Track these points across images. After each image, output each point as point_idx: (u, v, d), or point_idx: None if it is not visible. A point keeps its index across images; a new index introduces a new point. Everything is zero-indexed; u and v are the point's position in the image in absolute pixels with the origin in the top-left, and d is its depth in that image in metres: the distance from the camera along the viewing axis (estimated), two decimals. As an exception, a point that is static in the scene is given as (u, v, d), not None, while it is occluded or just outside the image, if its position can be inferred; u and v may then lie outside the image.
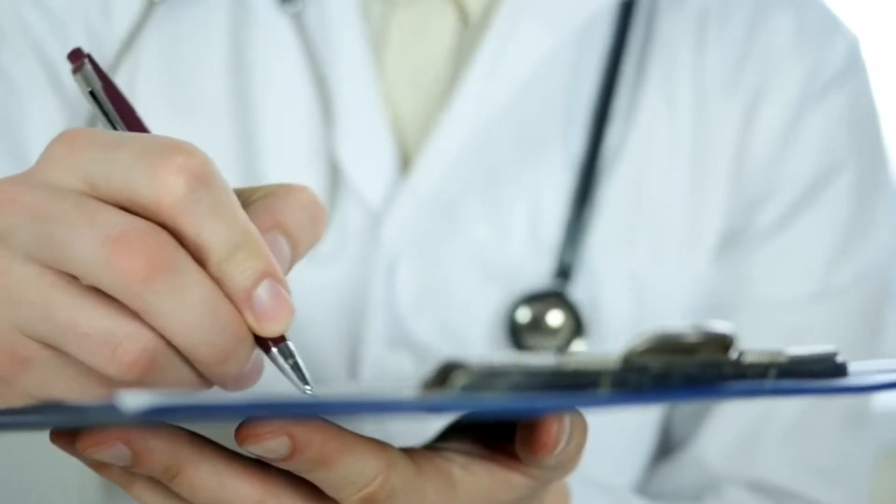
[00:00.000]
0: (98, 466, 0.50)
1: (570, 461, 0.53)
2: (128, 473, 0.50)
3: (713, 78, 0.90)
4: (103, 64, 0.86)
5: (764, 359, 0.39)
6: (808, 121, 0.91)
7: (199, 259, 0.47)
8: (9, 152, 0.87)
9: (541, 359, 0.36)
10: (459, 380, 0.34)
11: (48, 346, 0.48)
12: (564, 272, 0.87)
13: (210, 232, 0.46)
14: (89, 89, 0.52)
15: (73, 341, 0.47)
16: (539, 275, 0.87)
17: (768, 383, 0.39)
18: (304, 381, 0.50)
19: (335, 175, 0.86)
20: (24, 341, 0.48)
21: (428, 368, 0.83)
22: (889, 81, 1.54)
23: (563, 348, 0.86)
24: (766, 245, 0.91)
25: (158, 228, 0.46)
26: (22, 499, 1.34)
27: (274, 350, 0.49)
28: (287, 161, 0.86)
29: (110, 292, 0.46)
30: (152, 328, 0.47)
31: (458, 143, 0.85)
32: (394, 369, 0.86)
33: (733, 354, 0.39)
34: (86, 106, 0.86)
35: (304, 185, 0.52)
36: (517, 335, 0.86)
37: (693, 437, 0.91)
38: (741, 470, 0.90)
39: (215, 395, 0.41)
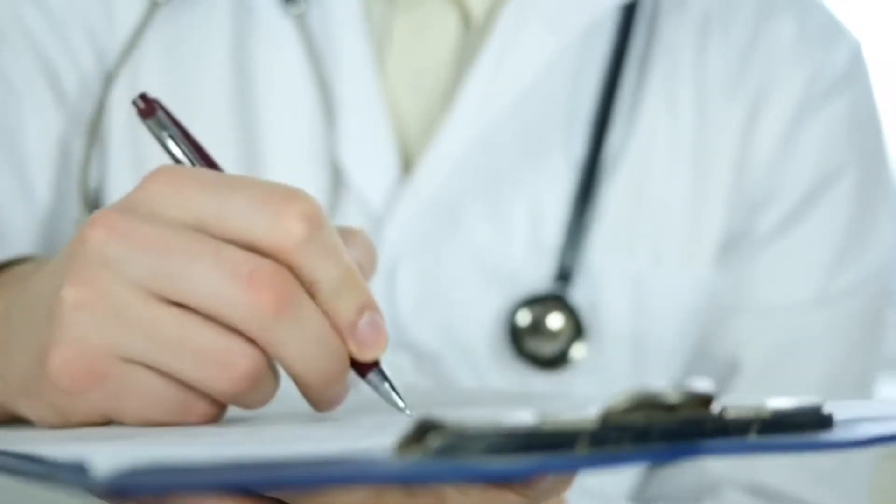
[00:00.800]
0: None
1: (564, 482, 0.53)
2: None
3: (715, 81, 0.90)
4: (106, 65, 0.87)
5: (747, 414, 0.39)
6: (810, 125, 0.90)
7: (310, 294, 0.51)
8: (6, 153, 0.87)
9: (518, 417, 0.36)
10: (435, 441, 0.34)
11: (126, 361, 0.50)
12: (565, 275, 0.87)
13: (323, 270, 0.51)
14: (168, 134, 0.56)
15: (180, 356, 0.50)
16: (540, 277, 0.87)
17: (751, 439, 0.39)
18: (402, 401, 0.55)
19: (336, 177, 0.86)
20: (107, 358, 0.51)
21: (427, 369, 0.83)
22: (891, 85, 1.53)
23: (563, 351, 0.86)
24: (767, 249, 0.90)
25: (282, 266, 0.50)
26: (22, 499, 1.34)
27: (370, 374, 0.54)
28: (289, 162, 0.86)
29: (237, 324, 0.50)
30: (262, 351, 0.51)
31: (460, 145, 0.85)
32: (393, 371, 0.86)
33: (715, 410, 0.38)
34: (86, 108, 0.86)
35: (361, 228, 0.58)
36: (517, 338, 0.86)
37: (692, 440, 0.91)
38: (740, 473, 0.90)
39: (191, 454, 0.41)
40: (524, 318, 0.86)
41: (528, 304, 0.86)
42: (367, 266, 0.57)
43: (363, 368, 0.54)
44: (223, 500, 0.50)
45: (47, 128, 0.87)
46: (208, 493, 0.45)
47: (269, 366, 0.52)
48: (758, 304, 0.90)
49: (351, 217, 0.85)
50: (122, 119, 0.86)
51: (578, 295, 0.87)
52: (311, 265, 0.50)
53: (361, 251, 0.57)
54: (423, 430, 0.35)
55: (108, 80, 0.87)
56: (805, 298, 0.91)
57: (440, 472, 0.34)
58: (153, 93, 0.86)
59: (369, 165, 0.86)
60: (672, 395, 0.37)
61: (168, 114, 0.56)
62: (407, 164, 0.87)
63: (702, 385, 0.37)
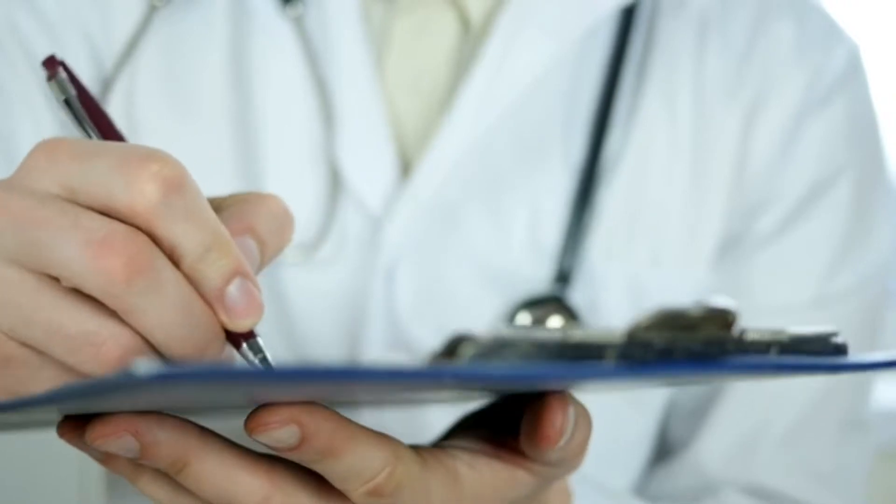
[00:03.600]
0: (105, 459, 0.51)
1: (574, 457, 0.54)
2: (134, 466, 0.51)
3: (713, 84, 0.90)
4: (103, 71, 0.87)
5: (766, 336, 0.40)
6: (808, 128, 0.91)
7: (173, 260, 0.49)
8: (1, 163, 0.87)
9: (547, 332, 0.36)
10: (468, 350, 0.35)
11: (26, 345, 0.49)
12: (564, 277, 0.87)
13: (183, 234, 0.48)
14: (63, 97, 0.53)
15: (56, 342, 0.48)
16: (539, 280, 0.87)
17: (770, 359, 0.40)
18: None
19: (335, 179, 0.86)
20: (4, 341, 0.49)
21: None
22: (889, 88, 1.54)
23: None
24: (764, 251, 0.91)
25: (137, 231, 0.48)
26: (22, 499, 1.34)
27: (244, 345, 0.51)
28: (287, 165, 0.87)
29: (92, 292, 0.48)
30: (132, 328, 0.48)
31: (459, 148, 0.86)
32: None
33: (735, 331, 0.39)
34: None
35: (275, 194, 0.55)
36: (518, 339, 0.86)
37: (691, 440, 0.91)
38: (739, 473, 0.90)
39: (230, 365, 0.42)
40: (524, 320, 0.86)
41: (528, 306, 0.87)
42: (276, 234, 0.54)
43: (237, 339, 0.51)
44: (245, 471, 0.50)
45: (41, 134, 0.87)
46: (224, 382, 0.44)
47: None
48: (756, 306, 0.91)
49: (350, 219, 0.86)
50: (120, 124, 0.86)
51: (577, 297, 0.87)
52: (169, 229, 0.48)
53: (266, 219, 0.54)
54: (454, 344, 0.36)
55: (106, 85, 0.87)
56: (803, 300, 0.91)
57: (476, 372, 0.35)
58: (151, 95, 0.87)
59: (368, 168, 0.86)
60: (694, 310, 0.37)
61: (73, 78, 0.54)
62: (406, 167, 0.87)
63: (722, 301, 0.38)
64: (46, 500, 1.29)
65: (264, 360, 0.51)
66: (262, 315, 0.50)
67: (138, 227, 0.48)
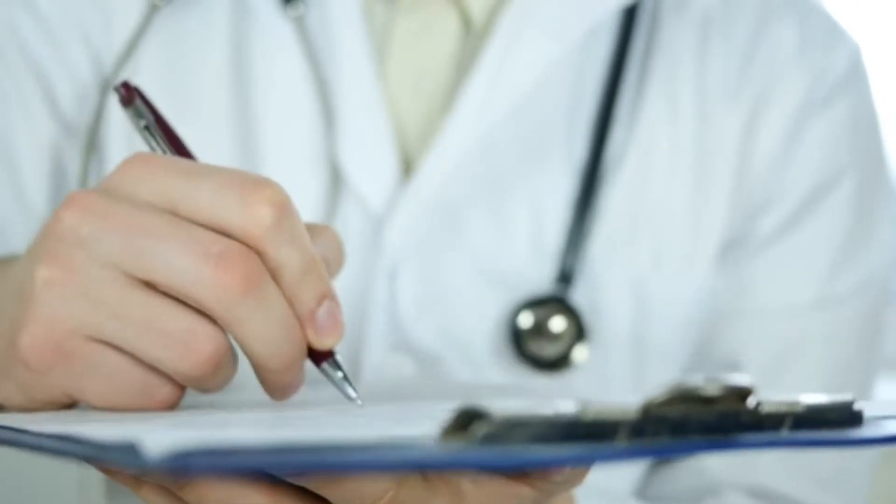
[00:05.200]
0: (106, 469, 0.51)
1: (578, 476, 0.54)
2: (137, 477, 0.51)
3: (715, 85, 0.90)
4: (103, 71, 0.86)
5: (781, 408, 0.40)
6: (811, 128, 0.91)
7: (273, 279, 0.53)
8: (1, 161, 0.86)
9: (560, 407, 0.36)
10: (480, 429, 0.35)
11: (93, 341, 0.52)
12: (566, 277, 0.87)
13: (287, 257, 0.53)
14: (143, 124, 0.58)
15: (149, 338, 0.52)
16: (540, 280, 0.87)
17: (785, 434, 0.39)
18: (354, 391, 0.57)
19: (336, 179, 0.86)
20: (75, 336, 0.52)
21: (429, 372, 0.84)
22: (890, 88, 1.54)
23: (565, 353, 0.86)
24: (767, 252, 0.91)
25: (250, 250, 0.52)
26: (22, 499, 1.34)
27: (324, 363, 0.56)
28: (288, 165, 0.86)
29: (202, 302, 0.52)
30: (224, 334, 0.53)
31: (461, 148, 0.85)
32: (394, 373, 0.86)
33: (751, 403, 0.39)
34: (83, 117, 0.86)
35: (330, 226, 0.61)
36: (519, 340, 0.86)
37: (694, 441, 0.91)
38: (741, 476, 0.90)
39: (238, 435, 0.41)
40: (526, 320, 0.86)
41: (529, 306, 0.86)
42: (335, 262, 0.59)
43: (319, 357, 0.56)
44: (247, 488, 0.50)
45: (39, 136, 0.87)
46: (234, 479, 0.46)
47: (231, 350, 0.54)
48: (758, 306, 0.91)
49: (351, 219, 0.86)
50: (120, 126, 0.85)
51: (579, 297, 0.87)
52: (277, 251, 0.52)
53: (329, 246, 0.58)
54: (467, 419, 0.35)
55: (106, 85, 0.86)
56: (805, 301, 0.91)
57: (488, 459, 0.34)
58: (151, 95, 0.86)
59: (369, 167, 0.86)
60: (710, 387, 0.37)
61: (147, 103, 0.58)
62: (407, 167, 0.87)
63: (740, 379, 0.38)
64: (46, 500, 1.29)
65: (344, 377, 0.56)
66: (343, 335, 0.55)
67: (248, 246, 0.52)
